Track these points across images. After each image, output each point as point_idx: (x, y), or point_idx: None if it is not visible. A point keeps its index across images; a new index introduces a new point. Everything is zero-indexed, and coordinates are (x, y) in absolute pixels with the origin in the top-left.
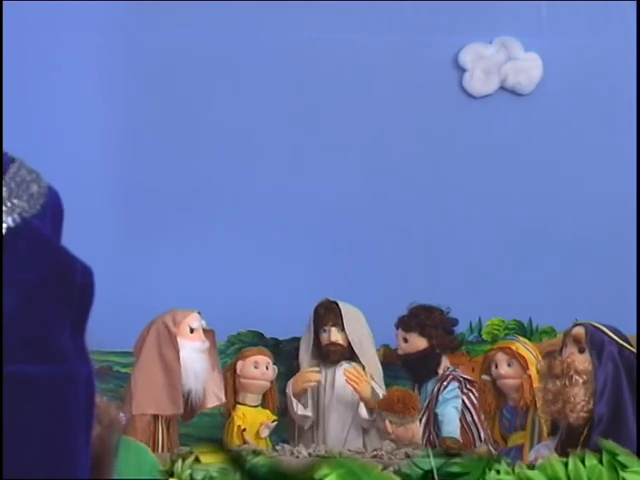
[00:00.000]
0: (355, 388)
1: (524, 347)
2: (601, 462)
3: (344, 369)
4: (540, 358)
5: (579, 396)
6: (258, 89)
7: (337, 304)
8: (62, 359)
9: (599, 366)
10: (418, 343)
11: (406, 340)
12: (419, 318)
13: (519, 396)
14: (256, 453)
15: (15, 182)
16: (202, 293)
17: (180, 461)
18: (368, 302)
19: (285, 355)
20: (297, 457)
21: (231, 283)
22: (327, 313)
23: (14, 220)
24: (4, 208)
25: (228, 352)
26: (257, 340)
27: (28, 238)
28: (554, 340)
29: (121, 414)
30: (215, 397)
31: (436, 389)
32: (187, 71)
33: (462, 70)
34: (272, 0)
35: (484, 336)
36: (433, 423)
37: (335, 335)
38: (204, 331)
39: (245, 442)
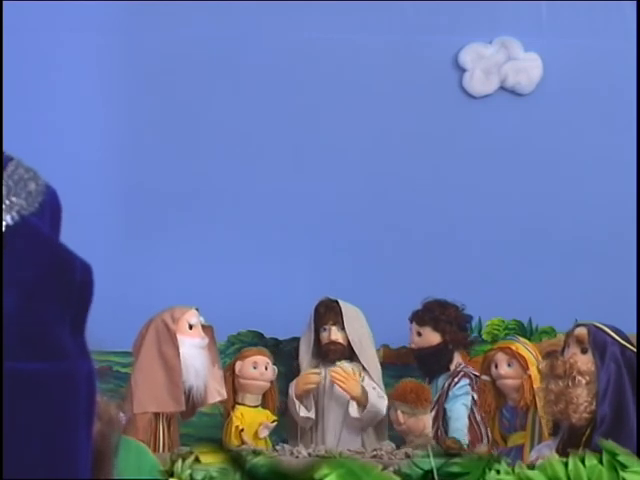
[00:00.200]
0: (342, 387)
1: (524, 347)
2: (601, 462)
3: (330, 369)
4: (540, 358)
5: (582, 397)
6: (258, 89)
7: (338, 303)
8: (62, 356)
9: (602, 367)
10: (431, 338)
11: (420, 334)
12: (433, 313)
13: (519, 396)
14: (256, 453)
15: (13, 180)
16: (202, 293)
17: (180, 461)
18: (368, 302)
19: (285, 355)
20: (297, 457)
21: (231, 283)
22: (327, 312)
23: (13, 218)
24: (2, 206)
25: (228, 352)
26: (257, 340)
27: (27, 236)
28: (554, 340)
29: (120, 413)
30: (216, 392)
31: (447, 384)
32: (187, 71)
33: (462, 70)
34: (272, 0)
35: (484, 336)
36: (442, 418)
37: (335, 334)
38: (203, 327)
39: (243, 442)
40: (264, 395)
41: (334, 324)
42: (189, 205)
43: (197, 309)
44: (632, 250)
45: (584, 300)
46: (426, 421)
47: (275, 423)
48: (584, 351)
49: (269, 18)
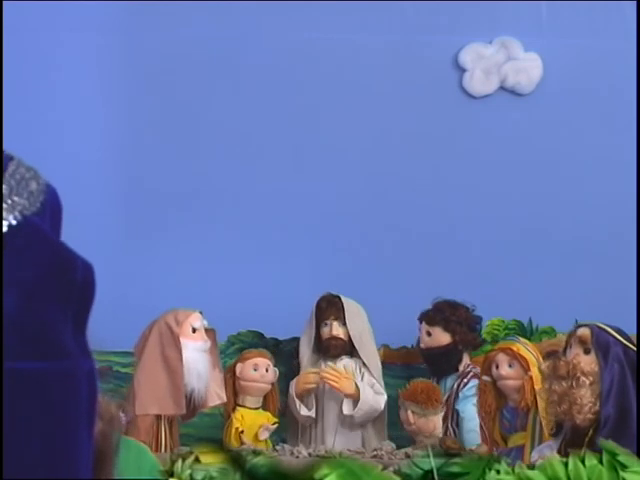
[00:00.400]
0: (335, 387)
1: (525, 348)
2: (601, 462)
3: (321, 370)
4: (541, 359)
5: (586, 397)
6: (258, 89)
7: (339, 298)
8: (63, 355)
9: (605, 367)
10: (441, 338)
11: (429, 334)
12: (444, 313)
13: (520, 397)
14: (256, 453)
15: (15, 180)
16: (202, 293)
17: (180, 461)
18: (368, 302)
19: (285, 355)
20: (297, 457)
21: (231, 283)
22: (329, 307)
23: (15, 218)
24: (5, 206)
25: (228, 352)
26: (257, 340)
27: (29, 236)
28: (554, 340)
29: (121, 413)
30: (216, 396)
31: (456, 385)
32: (187, 71)
33: (462, 70)
34: (272, 0)
35: (484, 336)
36: (451, 419)
37: (336, 329)
38: (205, 330)
39: (243, 444)
40: (265, 397)
41: (335, 319)
42: (189, 205)
43: (201, 312)
44: (632, 250)
45: (584, 300)
46: (436, 422)
47: (276, 425)
48: (587, 352)
49: (269, 18)
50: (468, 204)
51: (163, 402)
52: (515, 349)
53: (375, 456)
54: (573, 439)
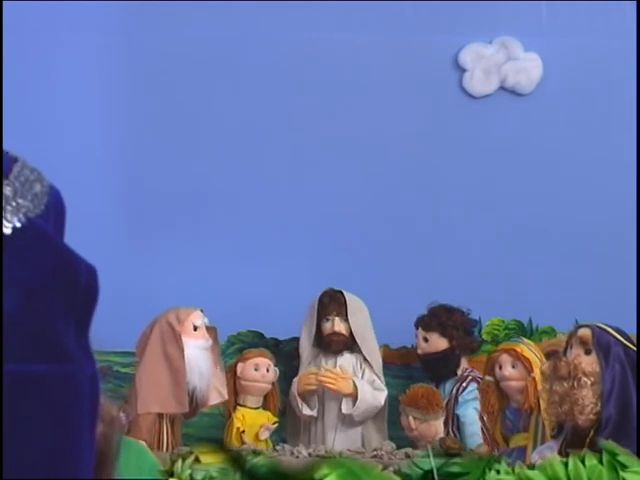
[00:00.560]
0: (332, 389)
1: (529, 349)
2: (601, 462)
3: (317, 375)
4: (544, 359)
5: (588, 398)
6: (258, 89)
7: (342, 293)
8: (66, 358)
9: (606, 368)
10: (439, 343)
11: (426, 340)
12: (440, 318)
13: (523, 398)
14: (256, 453)
15: (20, 182)
16: (202, 293)
17: (180, 461)
18: (368, 302)
19: (285, 355)
20: (297, 457)
21: (231, 283)
22: (331, 302)
23: (20, 220)
24: (9, 208)
25: (228, 352)
26: (257, 340)
27: (33, 238)
28: (554, 340)
29: (121, 414)
30: (218, 394)
31: (455, 390)
32: (187, 71)
33: (462, 70)
34: (272, 0)
35: (484, 336)
36: (452, 423)
37: (338, 325)
38: (206, 328)
39: (244, 444)
40: (265, 397)
41: (337, 315)
42: (189, 205)
43: (202, 310)
44: (632, 250)
45: (584, 300)
46: (438, 426)
47: (276, 425)
48: (588, 352)
49: (269, 18)
50: (468, 204)
51: (165, 401)
52: (519, 350)
53: (375, 456)
54: (574, 440)
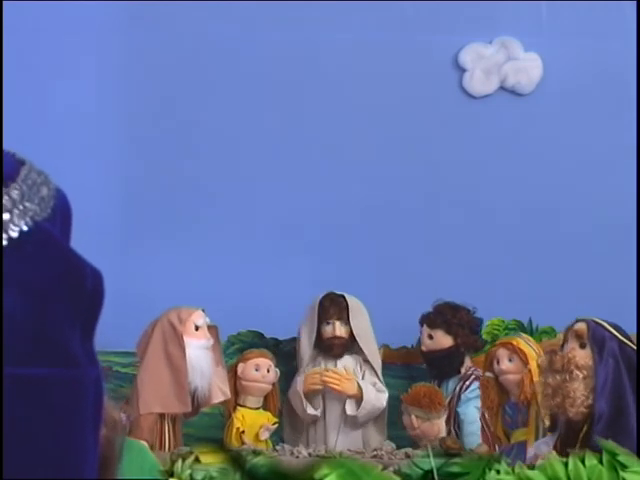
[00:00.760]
0: (337, 390)
1: (525, 342)
2: (601, 462)
3: (321, 375)
4: (542, 353)
5: (579, 390)
6: (258, 89)
7: (344, 297)
8: (73, 363)
9: (600, 362)
10: (443, 341)
11: (431, 337)
12: (445, 316)
13: (519, 391)
14: (256, 453)
15: (27, 185)
16: (202, 293)
17: (180, 461)
18: (368, 302)
19: (285, 355)
20: (297, 457)
21: (231, 283)
22: (332, 306)
23: (27, 223)
24: (16, 211)
25: (228, 352)
26: (257, 340)
27: (40, 242)
28: (554, 340)
29: (122, 415)
30: (220, 392)
31: (458, 388)
32: (187, 71)
33: (462, 70)
34: (272, 0)
35: (484, 336)
36: (453, 422)
37: (339, 329)
38: (207, 327)
39: (244, 444)
40: (265, 397)
41: (338, 319)
42: (189, 205)
43: (203, 310)
44: (632, 250)
45: (584, 300)
46: (440, 425)
47: (276, 425)
48: (583, 346)
49: (269, 18)
50: (468, 204)
51: (167, 400)
52: (515, 343)
53: (375, 456)
54: (568, 434)
